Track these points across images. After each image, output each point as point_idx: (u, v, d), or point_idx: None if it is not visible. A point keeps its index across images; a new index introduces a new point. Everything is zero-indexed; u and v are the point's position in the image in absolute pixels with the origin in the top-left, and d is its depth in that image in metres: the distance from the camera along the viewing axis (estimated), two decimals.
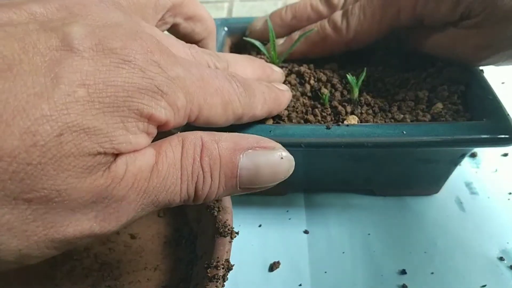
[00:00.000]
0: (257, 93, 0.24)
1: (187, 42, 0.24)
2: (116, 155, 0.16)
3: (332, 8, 0.34)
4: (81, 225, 0.16)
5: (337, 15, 0.32)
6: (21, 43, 0.14)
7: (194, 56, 0.23)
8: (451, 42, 0.30)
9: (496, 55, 0.28)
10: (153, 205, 0.18)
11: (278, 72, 0.31)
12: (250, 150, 0.20)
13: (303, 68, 0.33)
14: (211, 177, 0.19)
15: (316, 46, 0.33)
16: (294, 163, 0.22)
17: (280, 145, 0.21)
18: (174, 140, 0.19)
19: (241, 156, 0.19)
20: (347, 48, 0.33)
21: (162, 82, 0.17)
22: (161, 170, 0.18)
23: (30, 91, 0.14)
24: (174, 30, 0.28)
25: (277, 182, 0.21)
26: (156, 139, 0.19)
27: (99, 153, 0.15)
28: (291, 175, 0.33)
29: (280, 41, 0.35)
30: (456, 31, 0.29)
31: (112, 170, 0.16)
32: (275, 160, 0.20)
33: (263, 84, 0.26)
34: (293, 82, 0.32)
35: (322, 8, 0.35)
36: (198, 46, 0.25)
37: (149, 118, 0.17)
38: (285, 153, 0.21)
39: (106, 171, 0.16)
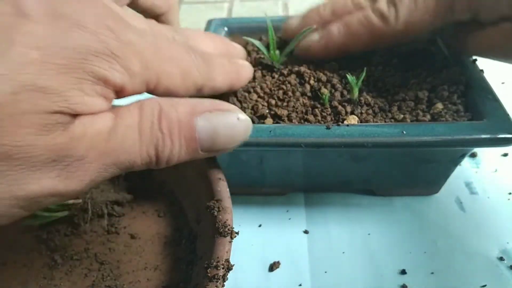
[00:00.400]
0: (216, 65, 0.25)
1: (148, 17, 0.24)
2: (74, 117, 0.17)
3: (374, 1, 0.31)
4: (43, 183, 0.16)
5: (383, 3, 0.29)
6: None
7: (151, 28, 0.24)
8: (505, 39, 0.27)
9: None
10: (115, 165, 0.18)
11: (239, 49, 0.31)
12: (207, 113, 0.20)
13: (303, 68, 0.33)
14: (171, 140, 0.19)
15: (360, 39, 0.30)
16: (251, 125, 0.22)
17: (237, 108, 0.22)
18: (132, 105, 0.19)
19: (198, 118, 0.20)
20: (394, 42, 0.30)
21: (115, 46, 0.18)
22: (119, 132, 0.18)
23: None
24: (134, 6, 0.28)
25: (237, 144, 0.22)
26: None
27: (56, 112, 0.16)
28: (291, 175, 0.34)
29: (316, 36, 0.32)
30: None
31: (70, 130, 0.17)
32: (232, 121, 0.21)
33: (223, 57, 0.26)
34: (293, 82, 0.32)
35: (364, 2, 0.31)
36: (161, 20, 0.25)
37: (105, 82, 0.18)
38: (242, 116, 0.22)
39: (65, 130, 0.16)
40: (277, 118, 0.29)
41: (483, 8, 0.27)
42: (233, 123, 0.21)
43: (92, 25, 0.17)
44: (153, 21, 0.24)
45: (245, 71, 0.28)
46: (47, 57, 0.16)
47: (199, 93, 0.24)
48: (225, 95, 0.29)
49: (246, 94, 0.31)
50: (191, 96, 0.22)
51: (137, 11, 0.28)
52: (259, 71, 0.33)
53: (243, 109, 0.30)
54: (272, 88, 0.31)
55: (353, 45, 0.31)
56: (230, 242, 0.23)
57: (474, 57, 0.33)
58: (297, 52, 0.33)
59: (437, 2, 0.28)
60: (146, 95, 0.21)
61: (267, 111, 0.29)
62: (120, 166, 0.19)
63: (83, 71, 0.16)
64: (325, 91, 0.31)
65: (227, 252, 0.22)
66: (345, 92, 0.31)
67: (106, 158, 0.18)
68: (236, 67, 0.27)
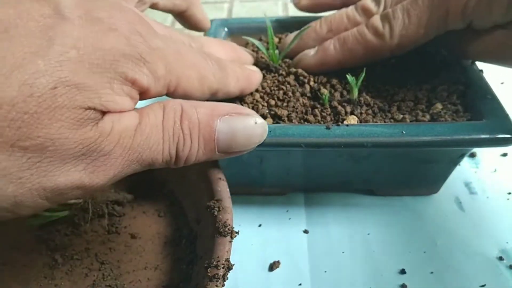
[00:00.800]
0: (230, 71, 0.26)
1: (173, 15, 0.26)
2: (104, 114, 0.18)
3: (370, 17, 0.32)
4: (71, 175, 0.17)
5: (376, 20, 0.30)
6: (16, 10, 0.16)
7: (170, 35, 0.25)
8: (500, 45, 0.28)
9: None
10: (138, 162, 0.19)
11: (248, 55, 0.32)
12: (226, 116, 0.21)
13: (302, 69, 0.33)
14: (191, 139, 0.20)
15: (355, 55, 0.31)
16: (267, 128, 0.24)
17: (254, 112, 0.23)
18: (156, 105, 0.20)
19: (218, 121, 0.21)
20: (391, 55, 0.31)
21: (144, 50, 0.19)
22: (144, 129, 0.19)
23: (26, 50, 0.15)
24: (156, 7, 0.31)
25: (252, 147, 0.23)
26: None
27: (89, 108, 0.17)
28: (291, 175, 0.34)
29: (311, 51, 0.33)
30: (506, 33, 0.27)
31: (100, 126, 0.17)
32: (250, 124, 0.22)
33: (235, 64, 0.28)
34: (293, 82, 0.32)
35: (360, 18, 0.32)
36: (185, 16, 0.26)
37: (133, 83, 0.19)
38: (259, 120, 0.23)
39: (95, 126, 0.17)
40: (277, 118, 0.29)
41: (476, 18, 0.28)
42: (251, 126, 0.22)
43: (124, 30, 0.18)
44: (171, 28, 0.26)
45: (255, 76, 0.29)
46: (83, 56, 0.17)
47: (213, 97, 0.25)
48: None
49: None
50: (205, 100, 0.24)
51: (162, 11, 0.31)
52: None
53: None
54: (272, 88, 0.32)
55: (349, 61, 0.32)
56: (230, 241, 0.23)
57: None
58: (293, 65, 0.34)
59: (430, 15, 0.28)
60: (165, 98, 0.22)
61: (267, 111, 0.29)
62: (142, 163, 0.20)
63: (114, 71, 0.18)
64: (324, 91, 0.31)
65: (227, 251, 0.22)
66: (344, 92, 0.31)
67: (131, 154, 0.19)
68: (247, 73, 0.28)
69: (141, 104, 0.21)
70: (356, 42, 0.31)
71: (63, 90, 0.16)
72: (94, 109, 0.17)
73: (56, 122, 0.16)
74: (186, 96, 0.22)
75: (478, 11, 0.27)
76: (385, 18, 0.30)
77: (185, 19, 0.36)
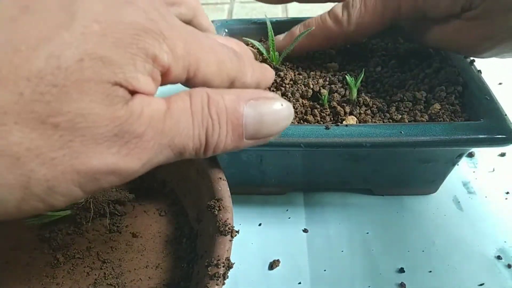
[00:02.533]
0: (246, 60, 0.25)
1: None
2: (132, 94, 0.17)
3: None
4: (105, 157, 0.16)
5: (338, 8, 0.33)
6: None
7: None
8: (454, 34, 0.30)
9: (499, 46, 0.28)
10: (170, 148, 0.19)
11: (252, 54, 0.32)
12: (252, 101, 0.21)
13: (302, 69, 0.33)
14: (219, 125, 0.20)
15: (317, 39, 0.34)
16: (293, 111, 0.23)
17: (279, 96, 0.23)
18: (182, 93, 0.20)
19: (244, 106, 0.21)
20: (349, 41, 0.34)
21: (163, 26, 0.18)
22: (174, 114, 0.18)
23: (50, 23, 0.15)
24: None
25: (280, 131, 0.22)
26: None
27: (116, 84, 0.16)
28: (290, 174, 0.34)
29: (281, 37, 0.35)
30: (459, 22, 0.29)
31: (130, 106, 0.17)
32: (277, 107, 0.22)
33: (249, 57, 0.27)
34: (293, 83, 0.32)
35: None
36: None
37: (154, 60, 0.18)
38: (285, 103, 0.22)
39: (125, 105, 0.17)
40: None
41: (427, 7, 0.30)
42: (278, 109, 0.22)
43: (143, 4, 0.18)
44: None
45: (269, 70, 0.29)
46: (105, 30, 0.16)
47: (232, 86, 0.24)
48: None
49: None
50: None
51: None
52: None
53: None
54: (272, 89, 0.32)
55: (311, 44, 0.34)
56: (231, 240, 0.23)
57: (471, 58, 0.33)
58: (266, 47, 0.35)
59: (384, 5, 0.31)
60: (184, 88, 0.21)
61: None
62: (174, 149, 0.19)
63: (136, 47, 0.17)
64: (324, 92, 0.31)
65: (227, 250, 0.23)
66: (344, 93, 0.32)
67: (163, 138, 0.18)
68: (261, 66, 0.28)
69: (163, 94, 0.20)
70: (317, 27, 0.33)
71: (89, 63, 0.15)
72: (120, 85, 0.16)
73: (86, 96, 0.15)
74: (205, 84, 0.22)
75: (428, 3, 0.29)
76: (345, 6, 0.32)
77: None
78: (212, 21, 0.41)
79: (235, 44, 0.30)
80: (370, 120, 0.29)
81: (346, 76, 0.30)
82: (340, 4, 0.33)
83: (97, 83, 0.16)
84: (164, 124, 0.18)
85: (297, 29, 0.34)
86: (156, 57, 0.18)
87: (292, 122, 0.29)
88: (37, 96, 0.14)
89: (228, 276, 0.22)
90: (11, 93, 0.14)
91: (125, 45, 0.17)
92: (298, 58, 0.35)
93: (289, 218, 0.34)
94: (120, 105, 0.16)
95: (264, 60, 0.35)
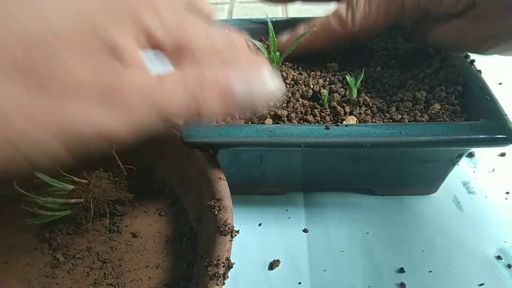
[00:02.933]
0: (239, 46, 0.25)
1: None
2: (125, 67, 0.17)
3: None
4: (90, 117, 0.16)
5: (342, 8, 0.33)
6: None
7: None
8: (457, 33, 0.30)
9: (501, 45, 0.29)
10: (157, 110, 0.18)
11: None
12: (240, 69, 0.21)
13: (303, 69, 0.33)
14: (209, 96, 0.20)
15: (321, 40, 0.34)
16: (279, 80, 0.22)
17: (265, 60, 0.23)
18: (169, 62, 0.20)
19: (231, 70, 0.21)
20: (353, 40, 0.34)
21: (157, 2, 0.19)
22: (164, 81, 0.19)
23: None
24: None
25: (269, 92, 0.21)
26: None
27: (106, 46, 0.17)
28: (290, 174, 0.34)
29: (284, 38, 0.35)
30: (461, 22, 0.29)
31: (122, 75, 0.17)
32: (264, 72, 0.21)
33: (242, 46, 0.27)
34: (293, 83, 0.32)
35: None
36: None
37: (148, 33, 0.18)
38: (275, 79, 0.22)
39: (117, 73, 0.17)
40: (276, 118, 0.29)
41: (431, 6, 0.30)
42: (264, 68, 0.21)
43: None
44: None
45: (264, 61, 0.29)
46: (103, 2, 0.17)
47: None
48: None
49: None
50: None
51: None
52: None
53: None
54: None
55: (315, 44, 0.34)
56: (231, 240, 0.23)
57: (471, 58, 0.33)
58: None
59: (388, 5, 0.31)
60: None
61: (266, 111, 0.30)
62: (162, 113, 0.19)
63: (133, 19, 0.17)
64: (324, 92, 0.31)
65: (227, 250, 0.23)
66: (344, 93, 0.32)
67: (150, 102, 0.18)
68: (257, 55, 0.27)
69: None
70: (321, 28, 0.33)
71: (79, 24, 0.16)
72: (110, 49, 0.17)
73: (75, 56, 0.16)
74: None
75: (431, 1, 0.29)
76: (349, 7, 0.32)
77: None
78: None
79: (232, 32, 0.30)
80: (370, 120, 0.29)
81: (346, 76, 0.30)
82: (344, 5, 0.33)
83: (87, 44, 0.16)
84: (154, 88, 0.18)
85: (301, 30, 0.34)
86: (149, 30, 0.18)
87: (292, 122, 0.29)
88: (21, 50, 0.15)
89: (228, 276, 0.22)
90: (0, 50, 0.14)
91: (122, 16, 0.17)
92: (298, 58, 0.35)
93: (289, 218, 0.34)
94: (112, 73, 0.17)
95: None
